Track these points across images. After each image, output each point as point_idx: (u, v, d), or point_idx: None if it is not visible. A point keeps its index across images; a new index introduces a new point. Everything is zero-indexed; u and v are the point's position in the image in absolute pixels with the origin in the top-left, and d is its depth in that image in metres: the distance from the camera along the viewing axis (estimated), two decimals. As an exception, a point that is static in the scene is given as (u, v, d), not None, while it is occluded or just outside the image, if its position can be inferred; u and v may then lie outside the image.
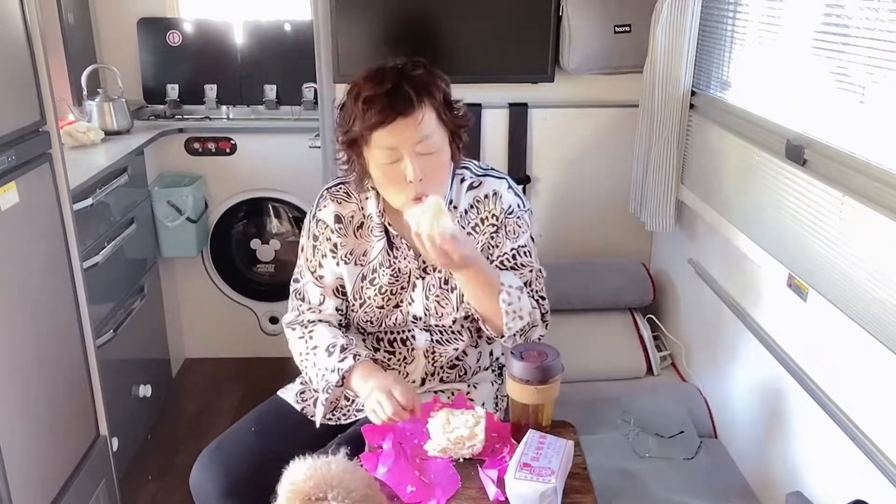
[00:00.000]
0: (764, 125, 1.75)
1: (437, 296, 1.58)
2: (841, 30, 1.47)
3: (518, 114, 2.45)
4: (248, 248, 3.18)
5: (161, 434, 2.76)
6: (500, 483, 1.31)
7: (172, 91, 3.22)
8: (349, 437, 1.53)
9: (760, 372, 1.80)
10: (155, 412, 2.82)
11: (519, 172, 2.49)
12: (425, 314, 1.59)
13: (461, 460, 1.39)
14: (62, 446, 1.87)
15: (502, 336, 1.54)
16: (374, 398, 1.42)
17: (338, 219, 1.58)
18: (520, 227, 1.58)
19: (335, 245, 1.59)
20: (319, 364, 1.55)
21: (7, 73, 1.65)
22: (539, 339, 1.57)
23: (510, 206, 1.58)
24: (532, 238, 1.62)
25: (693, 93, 2.12)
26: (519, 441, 1.37)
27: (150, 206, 2.84)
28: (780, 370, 1.65)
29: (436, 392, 1.66)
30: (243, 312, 3.22)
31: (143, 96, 3.25)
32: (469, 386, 1.69)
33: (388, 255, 1.58)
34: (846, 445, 1.39)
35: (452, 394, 1.65)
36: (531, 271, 1.59)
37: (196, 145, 2.99)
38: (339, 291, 1.63)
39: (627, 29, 2.30)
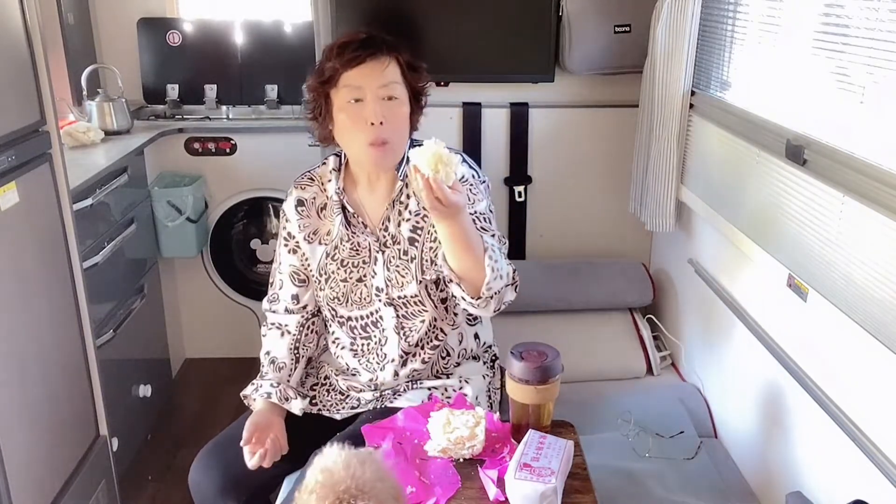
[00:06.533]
0: (764, 125, 1.75)
1: (398, 266, 1.64)
2: (841, 30, 1.47)
3: (518, 113, 2.45)
4: (248, 248, 3.18)
5: (161, 434, 2.76)
6: (500, 483, 1.31)
7: (172, 91, 3.23)
8: (348, 436, 1.53)
9: (760, 372, 1.80)
10: (155, 412, 2.82)
11: (519, 172, 2.49)
12: (386, 285, 1.64)
13: (461, 460, 1.39)
14: (62, 446, 1.87)
15: (478, 297, 1.50)
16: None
17: (300, 202, 1.69)
18: (474, 194, 1.61)
19: (288, 234, 1.70)
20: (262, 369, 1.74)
21: (7, 73, 1.66)
22: (509, 302, 1.56)
23: (463, 176, 1.61)
24: (491, 209, 1.64)
25: (693, 93, 2.12)
26: (519, 441, 1.37)
27: (149, 206, 2.84)
28: (780, 370, 1.65)
29: (430, 389, 1.68)
30: (243, 312, 3.22)
31: (143, 96, 3.25)
32: (462, 381, 1.70)
33: (346, 230, 1.65)
34: (846, 445, 1.39)
35: (447, 389, 1.67)
36: (493, 236, 1.58)
37: (196, 145, 2.99)
38: (296, 278, 1.72)
39: (627, 29, 2.30)
